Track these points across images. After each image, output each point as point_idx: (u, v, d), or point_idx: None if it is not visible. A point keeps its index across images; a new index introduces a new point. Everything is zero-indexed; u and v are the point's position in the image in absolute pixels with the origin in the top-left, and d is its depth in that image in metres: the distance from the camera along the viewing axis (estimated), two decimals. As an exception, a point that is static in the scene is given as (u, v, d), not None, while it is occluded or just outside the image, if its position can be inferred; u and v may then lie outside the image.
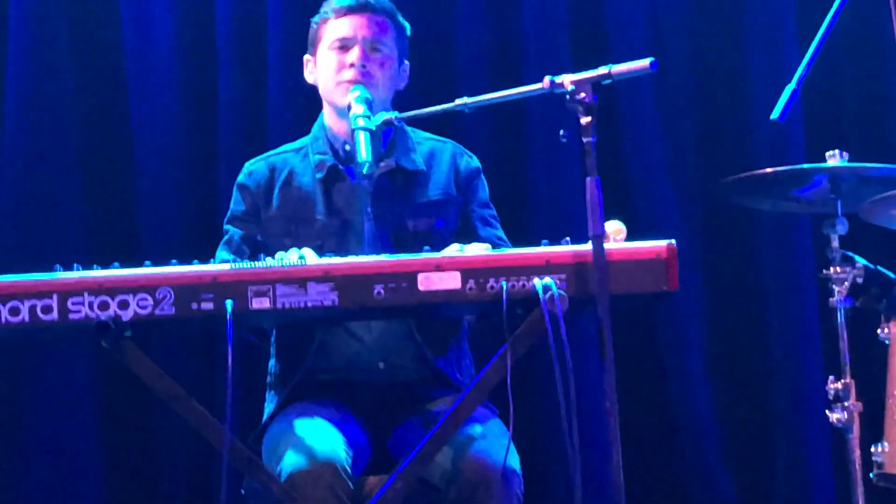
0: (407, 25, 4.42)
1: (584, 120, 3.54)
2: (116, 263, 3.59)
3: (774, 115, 3.25)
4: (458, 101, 3.86)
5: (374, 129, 4.03)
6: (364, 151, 3.98)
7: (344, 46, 4.30)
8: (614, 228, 3.65)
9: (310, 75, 4.41)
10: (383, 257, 3.62)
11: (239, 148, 5.46)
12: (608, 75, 3.60)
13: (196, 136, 5.70)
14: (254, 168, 4.38)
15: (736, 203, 4.88)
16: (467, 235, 4.23)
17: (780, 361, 5.69)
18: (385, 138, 4.31)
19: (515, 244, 4.08)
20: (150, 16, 5.70)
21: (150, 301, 3.54)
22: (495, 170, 4.97)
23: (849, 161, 4.46)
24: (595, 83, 3.57)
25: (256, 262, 3.58)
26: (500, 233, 4.35)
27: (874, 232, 4.70)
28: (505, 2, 5.79)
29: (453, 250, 3.76)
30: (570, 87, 3.57)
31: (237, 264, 3.59)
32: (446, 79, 5.65)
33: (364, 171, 3.99)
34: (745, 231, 5.69)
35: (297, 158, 4.36)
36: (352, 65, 4.26)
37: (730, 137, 5.71)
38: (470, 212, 4.35)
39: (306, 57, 4.42)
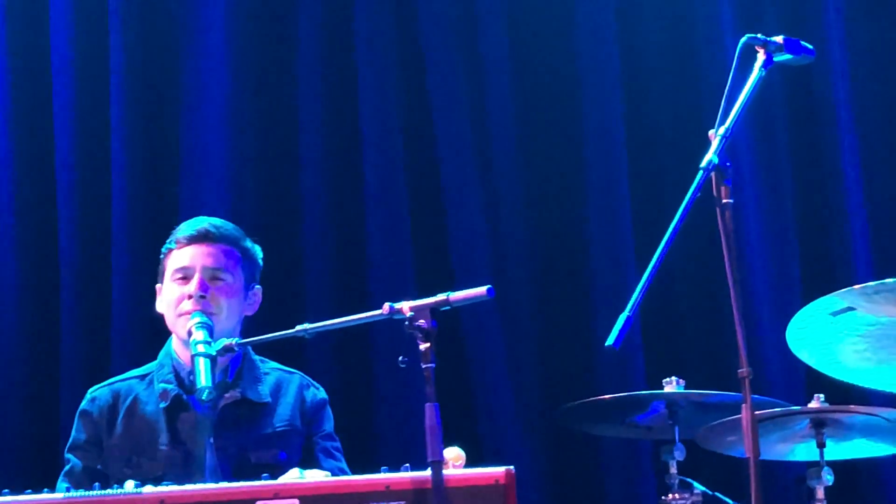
0: (258, 250, 4.41)
1: (423, 346, 3.55)
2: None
3: (609, 341, 3.30)
4: (299, 327, 3.85)
5: (214, 354, 4.01)
6: (203, 378, 3.95)
7: (184, 277, 4.27)
8: (454, 455, 3.66)
9: (158, 305, 4.37)
10: (221, 485, 3.57)
11: (81, 374, 5.40)
12: (447, 302, 3.63)
13: (37, 363, 5.62)
14: (97, 394, 4.31)
15: (577, 428, 4.93)
16: (310, 467, 4.17)
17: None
18: (233, 368, 4.29)
19: (359, 471, 4.05)
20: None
21: (-23, 533, 3.45)
22: (339, 396, 4.96)
23: (685, 388, 4.56)
24: (434, 309, 3.60)
25: (90, 492, 3.51)
26: (343, 465, 4.31)
27: (712, 458, 4.76)
28: (351, 227, 5.85)
29: (293, 475, 3.73)
30: (409, 314, 3.59)
31: (70, 494, 3.51)
32: (292, 303, 5.65)
33: (203, 398, 3.95)
34: (587, 456, 5.70)
35: (141, 386, 4.30)
36: (190, 296, 4.23)
37: (571, 363, 5.77)
38: (313, 444, 4.31)
39: (157, 286, 4.39)
